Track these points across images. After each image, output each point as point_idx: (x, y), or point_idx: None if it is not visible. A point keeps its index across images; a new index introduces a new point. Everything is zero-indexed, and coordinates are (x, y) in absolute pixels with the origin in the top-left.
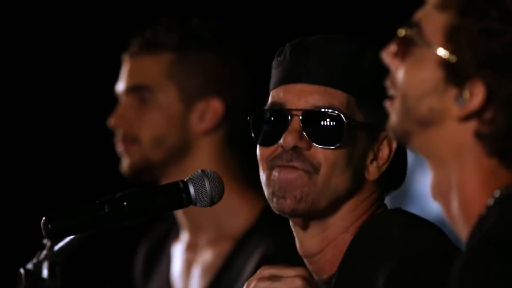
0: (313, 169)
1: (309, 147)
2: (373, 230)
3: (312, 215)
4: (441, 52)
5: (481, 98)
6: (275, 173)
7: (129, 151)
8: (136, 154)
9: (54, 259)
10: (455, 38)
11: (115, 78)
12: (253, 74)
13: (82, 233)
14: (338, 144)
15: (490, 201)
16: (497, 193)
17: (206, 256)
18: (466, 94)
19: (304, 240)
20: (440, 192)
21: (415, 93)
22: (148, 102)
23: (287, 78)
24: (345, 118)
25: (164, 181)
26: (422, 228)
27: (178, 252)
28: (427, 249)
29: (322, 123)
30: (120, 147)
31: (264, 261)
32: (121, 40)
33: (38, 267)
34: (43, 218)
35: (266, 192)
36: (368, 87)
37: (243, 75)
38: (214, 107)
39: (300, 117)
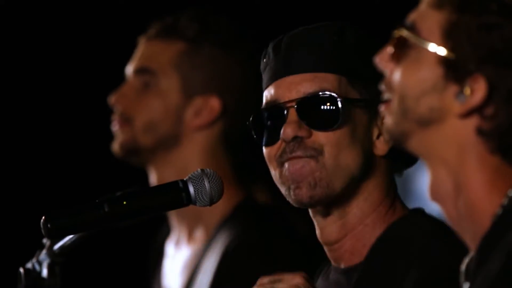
0: (316, 152)
1: (310, 134)
2: (400, 234)
3: (330, 201)
4: (440, 49)
5: (483, 93)
6: (284, 168)
7: (122, 130)
8: (128, 134)
9: (54, 259)
10: (453, 34)
11: (116, 82)
12: (259, 80)
13: (82, 232)
14: (337, 125)
15: (504, 201)
16: (510, 192)
17: (186, 252)
18: (467, 90)
19: (324, 227)
20: (441, 193)
21: (414, 93)
22: (150, 86)
23: (275, 75)
24: (338, 97)
25: (152, 168)
26: (449, 238)
27: (169, 249)
28: (454, 261)
29: (317, 108)
30: (115, 126)
31: (224, 256)
32: (118, 47)
33: (37, 266)
34: (43, 217)
35: (282, 190)
36: (357, 65)
37: (249, 79)
38: (212, 105)
39: (295, 107)
